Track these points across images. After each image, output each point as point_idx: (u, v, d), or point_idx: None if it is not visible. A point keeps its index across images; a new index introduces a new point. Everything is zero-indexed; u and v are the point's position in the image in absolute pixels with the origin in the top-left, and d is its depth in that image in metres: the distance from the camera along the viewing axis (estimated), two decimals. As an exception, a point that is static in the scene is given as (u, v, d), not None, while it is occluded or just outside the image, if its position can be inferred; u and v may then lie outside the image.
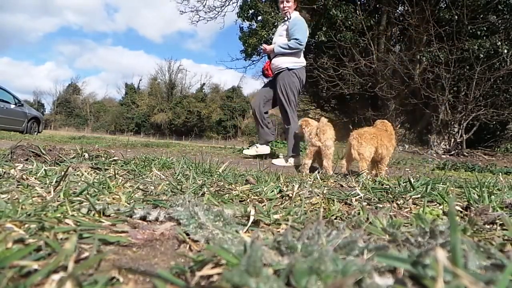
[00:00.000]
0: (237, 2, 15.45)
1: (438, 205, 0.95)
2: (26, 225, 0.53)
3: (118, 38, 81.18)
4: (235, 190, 1.03)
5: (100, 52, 78.25)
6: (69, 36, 76.58)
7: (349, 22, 11.89)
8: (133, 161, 1.60)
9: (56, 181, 0.91)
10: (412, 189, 1.09)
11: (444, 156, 10.23)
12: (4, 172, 1.02)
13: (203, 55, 77.94)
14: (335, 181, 1.42)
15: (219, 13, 15.82)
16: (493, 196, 0.99)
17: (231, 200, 0.91)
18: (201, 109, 41.15)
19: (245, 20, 14.80)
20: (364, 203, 0.93)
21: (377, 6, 12.95)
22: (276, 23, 12.99)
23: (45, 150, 1.51)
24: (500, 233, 0.67)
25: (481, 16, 10.67)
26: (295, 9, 3.74)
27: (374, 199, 0.99)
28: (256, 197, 0.97)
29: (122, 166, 1.42)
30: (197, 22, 20.66)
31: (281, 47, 3.68)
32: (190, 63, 73.16)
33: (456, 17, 10.37)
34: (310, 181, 1.34)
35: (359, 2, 12.74)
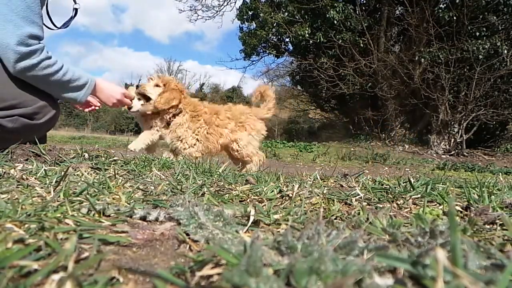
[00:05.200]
0: (235, 2, 15.46)
1: (438, 205, 0.95)
2: (26, 225, 0.53)
3: (124, 39, 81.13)
4: (235, 190, 1.03)
5: (105, 53, 78.13)
6: (77, 37, 76.33)
7: (349, 22, 11.88)
8: (133, 161, 1.60)
9: (56, 181, 0.91)
10: (412, 189, 1.09)
11: (444, 156, 10.23)
12: (4, 172, 1.02)
13: (210, 56, 77.84)
14: (335, 181, 1.42)
15: (218, 12, 15.84)
16: (493, 196, 0.99)
17: (231, 200, 0.91)
18: (201, 109, 40.98)
19: (245, 22, 14.81)
20: (364, 203, 0.93)
21: (377, 6, 12.94)
22: (275, 23, 12.99)
23: (45, 150, 1.50)
24: (500, 233, 0.67)
25: (481, 16, 10.67)
26: None
27: (374, 199, 0.99)
28: (256, 197, 0.97)
29: (122, 166, 1.42)
30: (196, 21, 20.67)
31: None
32: (196, 64, 73.02)
33: (455, 17, 10.37)
34: (310, 181, 1.34)
35: (358, 2, 12.73)
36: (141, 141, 2.65)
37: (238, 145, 2.90)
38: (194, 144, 2.73)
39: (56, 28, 2.12)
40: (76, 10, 2.12)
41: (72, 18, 2.15)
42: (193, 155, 2.69)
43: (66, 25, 2.14)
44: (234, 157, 3.01)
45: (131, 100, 2.42)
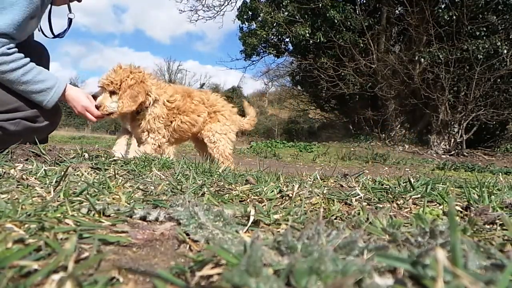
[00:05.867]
0: (236, 2, 15.47)
1: (438, 205, 0.95)
2: (26, 225, 0.53)
3: (125, 39, 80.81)
4: (235, 190, 1.03)
5: (106, 53, 77.76)
6: (77, 37, 75.98)
7: (349, 22, 11.89)
8: (133, 161, 1.60)
9: (56, 181, 0.91)
10: (412, 189, 1.09)
11: (444, 156, 10.24)
12: (4, 172, 1.02)
13: (211, 56, 77.48)
14: (335, 181, 1.42)
15: (218, 12, 15.85)
16: (493, 196, 0.99)
17: (231, 200, 0.91)
18: (201, 109, 40.96)
19: (245, 22, 14.82)
20: (364, 203, 0.93)
21: (377, 6, 12.95)
22: (275, 23, 12.99)
23: (45, 150, 1.51)
24: (500, 233, 0.67)
25: (481, 16, 10.68)
26: None
27: (374, 199, 0.99)
28: (256, 197, 0.97)
29: (122, 166, 1.42)
30: (196, 21, 20.72)
31: None
32: (196, 64, 72.71)
33: (455, 17, 10.37)
34: (310, 181, 1.34)
35: (358, 2, 12.74)
36: (121, 148, 2.55)
37: (210, 139, 2.65)
38: (164, 136, 2.48)
39: (52, 36, 2.09)
40: (70, 20, 2.09)
41: (67, 29, 2.11)
42: (163, 147, 2.50)
43: (61, 35, 2.11)
44: (204, 149, 2.75)
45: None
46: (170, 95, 2.45)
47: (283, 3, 12.82)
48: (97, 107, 2.14)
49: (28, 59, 1.75)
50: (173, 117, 2.48)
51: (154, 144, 2.43)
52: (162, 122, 2.42)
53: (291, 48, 15.24)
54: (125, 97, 2.21)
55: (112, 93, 2.25)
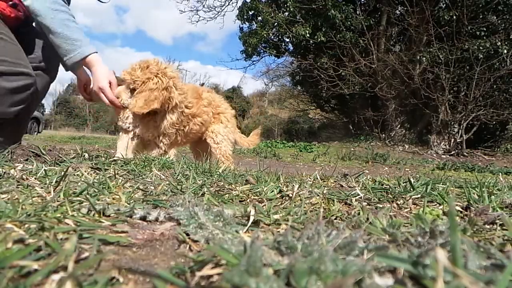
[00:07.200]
0: (236, 2, 15.47)
1: (438, 205, 0.95)
2: (26, 225, 0.53)
3: (127, 39, 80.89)
4: (235, 190, 1.03)
5: (107, 52, 77.77)
6: (78, 37, 75.83)
7: (349, 22, 11.89)
8: (133, 161, 1.60)
9: (56, 181, 0.91)
10: (412, 189, 1.09)
11: (444, 156, 10.24)
12: (4, 172, 1.02)
13: (213, 57, 77.66)
14: (335, 181, 1.42)
15: (219, 13, 15.86)
16: (493, 196, 0.99)
17: (231, 200, 0.91)
18: (201, 109, 40.90)
19: (245, 22, 14.81)
20: (364, 203, 0.93)
21: (377, 6, 12.94)
22: (276, 23, 12.98)
23: (45, 150, 1.51)
24: (500, 233, 0.67)
25: (481, 16, 10.67)
26: None
27: (374, 199, 0.99)
28: (256, 197, 0.97)
29: (122, 166, 1.42)
30: (197, 22, 20.76)
31: None
32: (198, 64, 72.76)
33: (455, 17, 10.36)
34: (310, 181, 1.34)
35: (359, 2, 12.74)
36: (122, 149, 2.53)
37: (214, 140, 2.65)
38: (173, 141, 2.45)
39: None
40: None
41: None
42: (173, 151, 2.50)
43: None
44: (200, 148, 2.75)
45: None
46: (189, 101, 2.38)
47: (284, 3, 12.82)
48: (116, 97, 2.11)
49: (73, 15, 1.98)
50: (187, 122, 2.44)
51: (162, 149, 2.41)
52: (176, 127, 2.38)
53: (291, 48, 15.24)
54: (139, 97, 2.08)
55: (131, 89, 2.15)
